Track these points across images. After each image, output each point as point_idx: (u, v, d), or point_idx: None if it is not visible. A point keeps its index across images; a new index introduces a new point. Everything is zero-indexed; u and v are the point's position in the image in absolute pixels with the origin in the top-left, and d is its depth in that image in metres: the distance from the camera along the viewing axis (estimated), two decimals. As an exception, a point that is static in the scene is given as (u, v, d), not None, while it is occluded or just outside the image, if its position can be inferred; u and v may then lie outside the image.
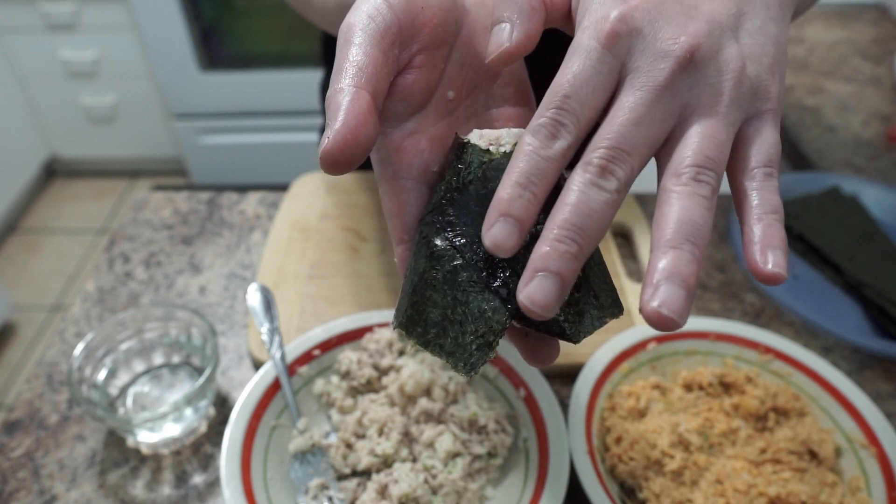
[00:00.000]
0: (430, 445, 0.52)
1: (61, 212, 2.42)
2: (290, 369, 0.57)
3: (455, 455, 0.51)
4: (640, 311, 0.24)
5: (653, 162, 0.29)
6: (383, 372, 0.57)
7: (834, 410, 0.55)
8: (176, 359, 0.61)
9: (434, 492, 0.49)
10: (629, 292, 0.68)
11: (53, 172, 2.58)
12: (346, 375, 0.58)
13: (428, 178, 0.32)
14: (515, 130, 0.31)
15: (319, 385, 0.57)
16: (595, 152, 0.26)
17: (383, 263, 0.72)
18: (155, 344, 0.61)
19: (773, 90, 0.29)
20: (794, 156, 0.97)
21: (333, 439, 0.54)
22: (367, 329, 0.60)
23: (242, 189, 0.85)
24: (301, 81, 2.09)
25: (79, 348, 0.56)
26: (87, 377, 0.56)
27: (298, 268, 0.71)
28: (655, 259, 0.25)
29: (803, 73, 1.13)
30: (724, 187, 0.29)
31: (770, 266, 0.26)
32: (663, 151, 0.28)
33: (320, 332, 0.59)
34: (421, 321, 0.29)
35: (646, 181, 0.37)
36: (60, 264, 2.21)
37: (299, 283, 0.69)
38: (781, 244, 0.26)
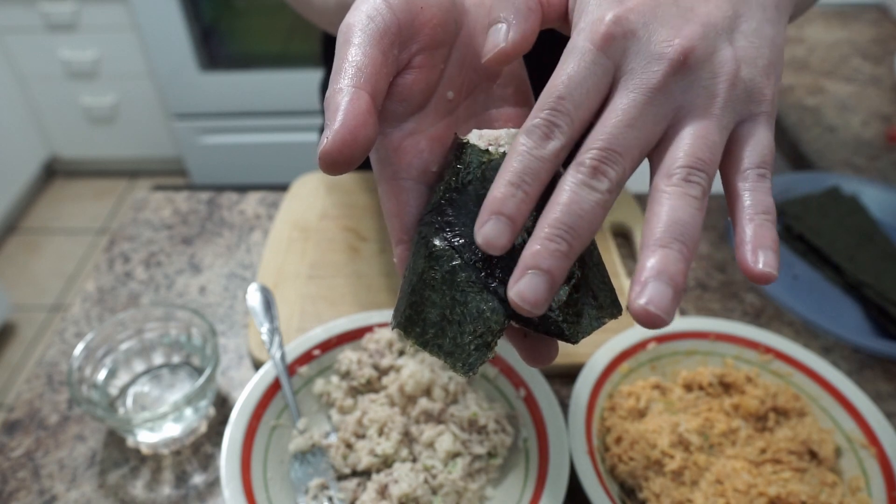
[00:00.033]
0: (430, 445, 0.52)
1: (61, 212, 2.42)
2: (290, 369, 0.57)
3: (455, 455, 0.51)
4: (628, 307, 0.25)
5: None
6: (383, 372, 0.57)
7: (834, 410, 0.55)
8: (176, 359, 0.61)
9: (434, 492, 0.49)
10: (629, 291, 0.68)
11: (53, 172, 2.58)
12: (346, 375, 0.58)
13: (427, 178, 0.32)
14: (514, 131, 0.31)
15: (319, 385, 0.57)
16: (587, 153, 0.26)
17: (383, 263, 0.72)
18: (155, 344, 0.61)
19: (767, 93, 0.29)
20: (794, 156, 0.97)
21: (333, 439, 0.54)
22: (367, 329, 0.60)
23: (242, 189, 0.85)
24: (301, 81, 2.09)
25: (79, 348, 0.56)
26: (87, 377, 0.56)
27: (298, 268, 0.71)
28: (644, 257, 0.25)
29: (803, 73, 1.13)
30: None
31: (761, 266, 0.26)
32: (656, 153, 0.28)
33: (320, 332, 0.59)
34: (419, 321, 0.29)
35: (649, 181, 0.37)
36: (60, 264, 2.21)
37: (299, 283, 0.69)
38: (773, 244, 0.26)
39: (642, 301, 0.24)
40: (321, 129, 0.98)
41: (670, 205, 0.26)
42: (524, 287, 0.25)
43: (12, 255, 2.24)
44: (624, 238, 0.77)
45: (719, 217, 0.80)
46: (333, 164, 0.27)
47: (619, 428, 0.53)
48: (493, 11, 0.30)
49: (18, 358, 1.90)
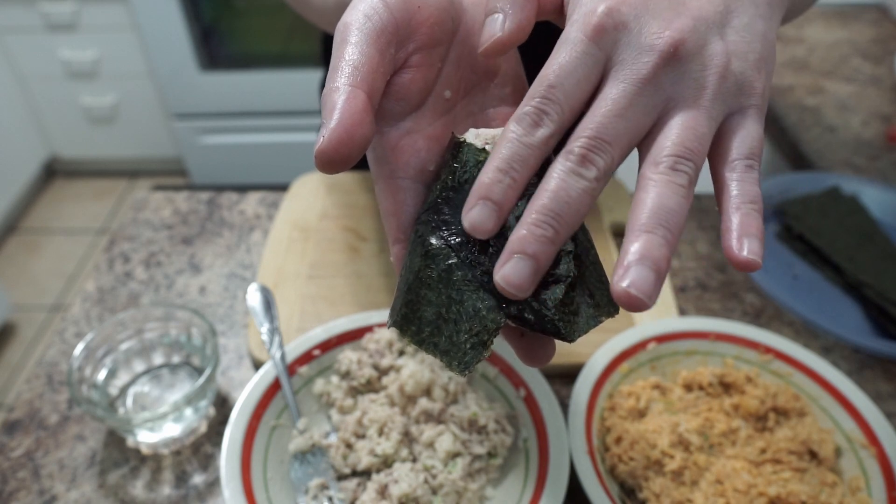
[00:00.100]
0: (430, 445, 0.52)
1: (61, 212, 2.42)
2: (290, 369, 0.57)
3: (455, 455, 0.51)
4: (611, 291, 0.25)
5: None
6: (383, 372, 0.57)
7: (834, 410, 0.55)
8: (176, 359, 0.61)
9: (434, 492, 0.49)
10: (629, 292, 0.68)
11: (53, 172, 2.58)
12: (346, 375, 0.58)
13: (424, 177, 0.32)
14: None
15: (319, 385, 0.57)
16: (577, 141, 0.27)
17: (383, 263, 0.72)
18: (155, 344, 0.61)
19: (757, 86, 0.29)
20: (794, 156, 0.97)
21: (333, 439, 0.54)
22: (367, 329, 0.60)
23: (242, 189, 0.85)
24: (301, 81, 2.09)
25: (79, 348, 0.56)
26: (87, 377, 0.56)
27: (298, 268, 0.71)
28: (628, 242, 0.25)
29: (803, 73, 1.13)
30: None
31: (745, 253, 0.26)
32: (645, 143, 0.28)
33: (320, 332, 0.59)
34: (415, 319, 0.29)
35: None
36: (60, 264, 2.21)
37: (299, 283, 0.69)
38: (758, 233, 0.27)
39: (625, 284, 0.24)
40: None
41: (656, 192, 0.26)
42: (509, 271, 0.26)
43: (12, 255, 2.24)
44: (623, 237, 0.77)
45: (719, 217, 0.80)
46: (330, 162, 0.27)
47: (619, 428, 0.53)
48: (490, 2, 0.30)
49: (18, 358, 1.90)
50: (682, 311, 0.69)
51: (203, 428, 0.58)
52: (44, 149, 2.43)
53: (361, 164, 0.35)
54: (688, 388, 0.58)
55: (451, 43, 0.33)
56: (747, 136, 0.29)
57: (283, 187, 0.83)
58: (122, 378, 0.59)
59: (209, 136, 2.26)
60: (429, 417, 0.53)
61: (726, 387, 0.57)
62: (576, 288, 0.28)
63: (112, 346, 0.59)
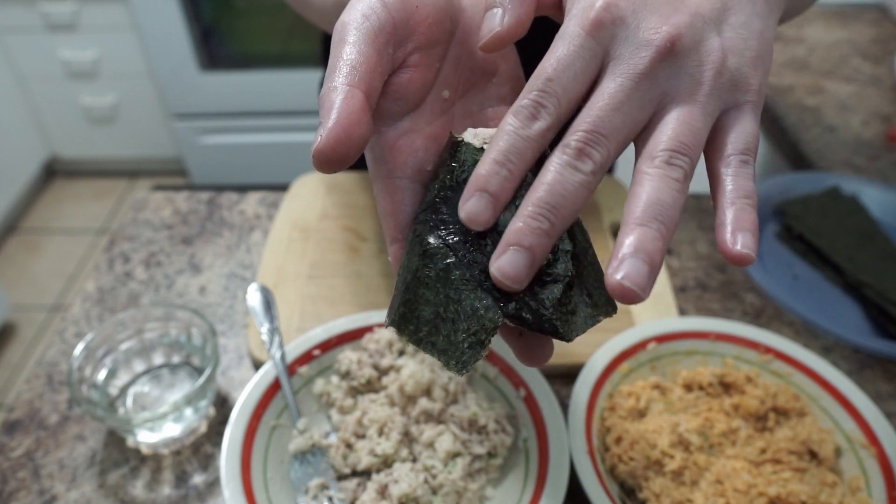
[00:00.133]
0: (430, 445, 0.52)
1: (61, 212, 2.42)
2: (290, 369, 0.57)
3: (455, 455, 0.51)
4: (605, 282, 0.25)
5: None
6: (383, 372, 0.57)
7: (834, 410, 0.55)
8: (176, 359, 0.61)
9: (434, 492, 0.49)
10: (629, 292, 0.68)
11: (53, 172, 2.58)
12: (346, 375, 0.58)
13: (422, 176, 0.32)
14: None
15: (319, 385, 0.57)
16: (574, 135, 0.27)
17: (383, 263, 0.72)
18: (155, 344, 0.61)
19: (753, 83, 0.29)
20: (794, 156, 0.97)
21: (333, 439, 0.54)
22: (367, 329, 0.60)
23: (242, 189, 0.85)
24: (301, 81, 2.09)
25: (79, 348, 0.56)
26: (87, 377, 0.56)
27: (298, 268, 0.71)
28: (623, 235, 0.26)
29: (803, 73, 1.13)
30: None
31: (739, 247, 0.26)
32: (641, 137, 0.29)
33: (320, 332, 0.59)
34: (413, 319, 0.29)
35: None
36: (60, 264, 2.21)
37: (299, 283, 0.69)
38: (752, 227, 0.27)
39: (618, 276, 0.25)
40: (321, 129, 0.99)
41: (651, 186, 0.26)
42: (505, 262, 0.26)
43: (12, 255, 2.24)
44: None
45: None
46: (327, 161, 0.27)
47: (619, 428, 0.53)
48: None
49: (18, 358, 1.90)
50: (682, 311, 0.69)
51: (203, 428, 0.58)
52: (44, 149, 2.43)
53: (361, 164, 0.35)
54: (688, 388, 0.58)
55: (449, 43, 0.33)
56: (742, 132, 0.29)
57: (283, 187, 0.83)
58: (122, 378, 0.59)
59: (209, 136, 2.26)
60: (429, 417, 0.53)
61: (726, 387, 0.57)
62: (574, 287, 0.28)
63: (112, 346, 0.59)
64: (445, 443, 0.51)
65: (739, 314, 0.69)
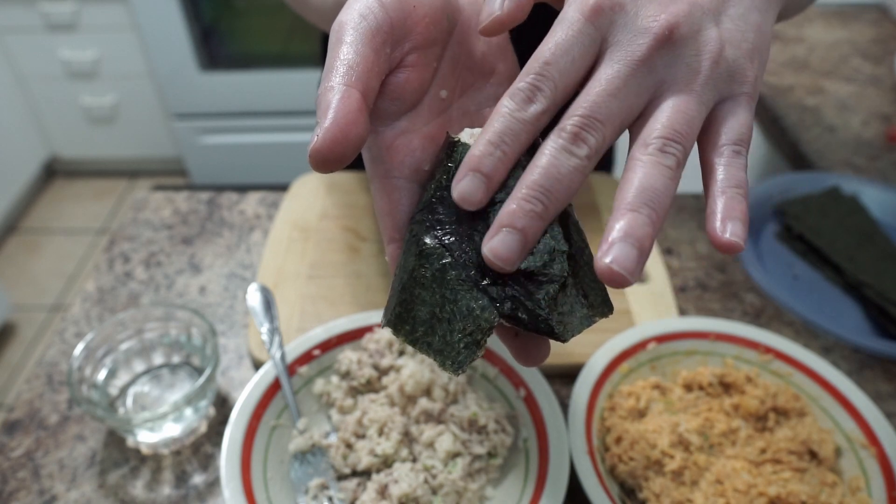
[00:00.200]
0: (430, 445, 0.52)
1: (61, 212, 2.42)
2: (290, 369, 0.57)
3: (455, 455, 0.51)
4: (594, 266, 0.25)
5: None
6: (383, 372, 0.57)
7: (834, 410, 0.55)
8: (176, 359, 0.61)
9: (434, 492, 0.49)
10: (628, 291, 0.68)
11: (53, 172, 2.58)
12: (346, 375, 0.58)
13: (419, 176, 0.32)
14: None
15: (319, 385, 0.57)
16: (570, 119, 0.27)
17: (383, 263, 0.72)
18: (155, 344, 0.61)
19: (749, 74, 0.29)
20: (794, 156, 0.97)
21: (333, 439, 0.54)
22: (367, 329, 0.60)
23: (242, 189, 0.85)
24: (301, 81, 2.09)
25: (79, 348, 0.56)
26: (87, 377, 0.56)
27: (298, 268, 0.71)
28: (613, 220, 0.26)
29: (803, 73, 1.13)
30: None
31: (728, 235, 0.27)
32: (636, 125, 0.29)
33: (320, 332, 0.59)
34: (409, 319, 0.29)
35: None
36: (60, 264, 2.21)
37: (299, 283, 0.69)
38: (742, 216, 0.27)
39: (607, 260, 0.25)
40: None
41: (644, 172, 0.26)
42: (497, 243, 0.26)
43: (12, 255, 2.24)
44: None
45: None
46: (324, 161, 0.27)
47: (619, 428, 0.53)
48: None
49: (18, 358, 1.90)
50: (682, 311, 0.69)
51: (203, 428, 0.58)
52: (44, 149, 2.43)
53: (361, 164, 0.35)
54: (688, 388, 0.58)
55: (446, 43, 0.33)
56: (736, 123, 0.29)
57: (283, 187, 0.83)
58: (122, 378, 0.59)
59: (209, 136, 2.26)
60: (429, 417, 0.53)
61: (726, 387, 0.57)
62: (570, 288, 0.28)
63: (112, 346, 0.59)
64: (445, 443, 0.51)
65: (739, 314, 0.69)
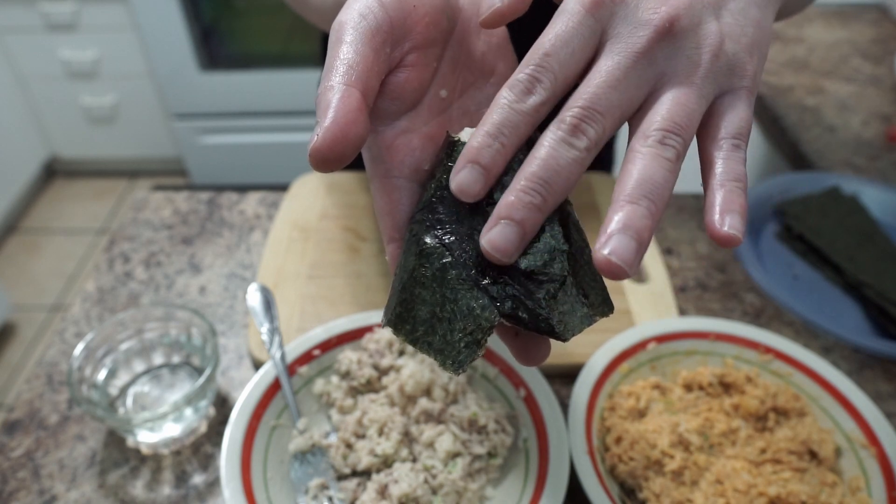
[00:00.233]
0: (430, 445, 0.52)
1: (61, 212, 2.42)
2: (290, 369, 0.57)
3: (455, 455, 0.51)
4: (593, 258, 0.25)
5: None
6: (383, 372, 0.57)
7: (834, 410, 0.55)
8: (176, 359, 0.61)
9: (434, 492, 0.49)
10: (628, 291, 0.68)
11: (53, 172, 2.58)
12: (346, 375, 0.58)
13: (419, 176, 0.32)
14: None
15: (319, 385, 0.57)
16: (569, 111, 0.27)
17: (383, 263, 0.72)
18: (155, 344, 0.61)
19: (749, 68, 0.30)
20: (794, 156, 0.97)
21: (333, 439, 0.54)
22: (367, 329, 0.60)
23: (242, 189, 0.85)
24: (301, 81, 2.09)
25: (79, 348, 0.56)
26: (87, 377, 0.56)
27: (298, 268, 0.71)
28: (612, 212, 0.26)
29: (803, 73, 1.13)
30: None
31: (726, 228, 0.27)
32: (636, 117, 0.29)
33: (320, 332, 0.59)
34: (409, 318, 0.29)
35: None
36: (60, 264, 2.21)
37: (299, 283, 0.69)
38: (740, 209, 0.27)
39: (606, 251, 0.25)
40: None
41: (643, 164, 0.26)
42: (495, 235, 0.26)
43: (12, 255, 2.24)
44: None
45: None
46: (324, 161, 0.27)
47: (619, 428, 0.53)
48: None
49: (18, 358, 1.90)
50: (682, 311, 0.69)
51: (203, 428, 0.58)
52: (44, 149, 2.43)
53: (361, 164, 0.35)
54: (688, 388, 0.58)
55: (446, 42, 0.33)
56: (736, 117, 0.29)
57: (283, 187, 0.83)
58: (122, 378, 0.59)
59: (209, 136, 2.26)
60: (429, 417, 0.53)
61: (726, 387, 0.57)
62: (570, 287, 0.28)
63: (112, 346, 0.59)
64: (445, 443, 0.51)
65: (739, 314, 0.69)
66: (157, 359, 0.61)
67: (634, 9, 0.28)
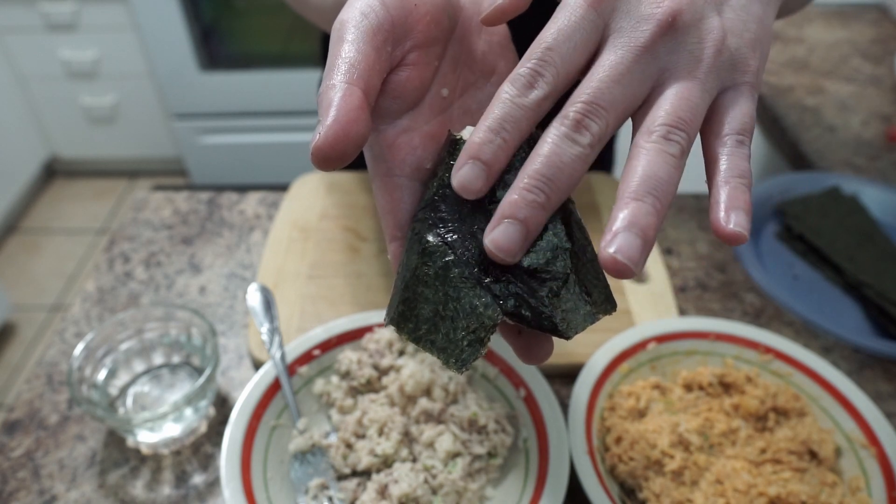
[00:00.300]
0: (430, 445, 0.52)
1: (61, 212, 2.42)
2: (290, 369, 0.57)
3: (455, 455, 0.51)
4: (598, 256, 0.25)
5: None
6: (383, 372, 0.57)
7: (834, 410, 0.55)
8: (176, 359, 0.61)
9: (434, 492, 0.49)
10: (628, 291, 0.68)
11: (53, 172, 2.58)
12: (346, 375, 0.58)
13: (421, 175, 0.32)
14: None
15: (319, 385, 0.57)
16: (572, 106, 0.27)
17: (383, 263, 0.72)
18: (155, 344, 0.61)
19: (751, 64, 0.29)
20: (794, 156, 0.97)
21: (333, 439, 0.54)
22: (367, 329, 0.60)
23: (242, 189, 0.85)
24: (301, 81, 2.09)
25: (79, 348, 0.56)
26: (87, 377, 0.56)
27: (298, 268, 0.71)
28: (617, 209, 0.26)
29: (803, 73, 1.13)
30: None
31: (732, 225, 0.26)
32: (639, 113, 0.29)
33: (320, 332, 0.59)
34: (412, 317, 0.29)
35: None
36: (60, 264, 2.21)
37: (299, 283, 0.69)
38: (745, 206, 0.27)
39: (611, 250, 0.25)
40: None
41: (648, 160, 0.26)
42: (499, 235, 0.26)
43: (12, 255, 2.24)
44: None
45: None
46: (325, 159, 0.27)
47: (619, 428, 0.53)
48: None
49: (18, 358, 1.90)
50: (682, 311, 0.69)
51: (203, 428, 0.58)
52: (44, 149, 2.43)
53: (361, 164, 0.35)
54: (688, 388, 0.58)
55: (448, 41, 0.33)
56: (739, 113, 0.29)
57: (283, 187, 0.83)
58: (122, 378, 0.59)
59: (209, 136, 2.26)
60: (429, 417, 0.53)
61: (726, 387, 0.57)
62: (573, 285, 0.28)
63: (112, 346, 0.59)
64: (445, 443, 0.51)
65: (739, 314, 0.69)
66: (157, 359, 0.61)
67: (637, 3, 0.28)
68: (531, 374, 0.56)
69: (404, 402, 0.55)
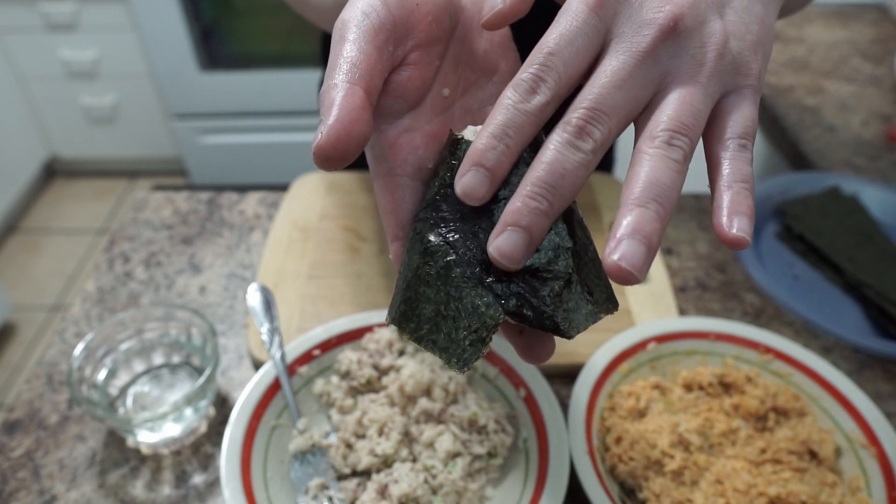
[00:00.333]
0: (430, 445, 0.52)
1: (61, 212, 2.42)
2: (290, 369, 0.57)
3: (455, 455, 0.51)
4: (603, 263, 0.25)
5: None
6: (383, 372, 0.57)
7: (834, 410, 0.55)
8: (176, 359, 0.61)
9: (434, 492, 0.49)
10: (628, 291, 0.68)
11: (53, 172, 2.58)
12: (346, 375, 0.58)
13: (423, 174, 0.32)
14: None
15: (319, 385, 0.57)
16: (575, 112, 0.27)
17: (383, 263, 0.72)
18: (155, 344, 0.61)
19: (754, 67, 0.29)
20: (794, 156, 0.97)
21: (333, 439, 0.54)
22: (367, 329, 0.60)
23: (242, 189, 0.85)
24: (301, 81, 2.09)
25: (79, 348, 0.56)
26: (87, 377, 0.56)
27: (298, 268, 0.71)
28: (621, 216, 0.26)
29: (803, 73, 1.13)
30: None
31: (735, 230, 0.26)
32: (642, 118, 0.28)
33: (320, 332, 0.59)
34: (414, 317, 0.29)
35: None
36: (60, 264, 2.21)
37: (299, 283, 0.69)
38: (748, 211, 0.27)
39: (615, 257, 0.25)
40: (321, 129, 0.99)
41: (650, 166, 0.26)
42: (502, 242, 0.26)
43: (12, 255, 2.24)
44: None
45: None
46: (328, 159, 0.27)
47: (619, 428, 0.53)
48: None
49: (18, 358, 1.90)
50: (682, 311, 0.69)
51: (203, 428, 0.58)
52: (44, 149, 2.43)
53: (361, 164, 0.35)
54: (688, 388, 0.58)
55: (449, 41, 0.33)
56: (741, 116, 0.29)
57: (283, 187, 0.83)
58: (122, 378, 0.59)
59: (209, 136, 2.26)
60: (429, 417, 0.53)
61: (726, 387, 0.57)
62: (574, 284, 0.28)
63: (112, 346, 0.59)
64: (445, 443, 0.51)
65: (739, 314, 0.69)
66: (157, 359, 0.61)
67: (638, 8, 0.28)
68: (531, 374, 0.56)
69: (404, 402, 0.55)
